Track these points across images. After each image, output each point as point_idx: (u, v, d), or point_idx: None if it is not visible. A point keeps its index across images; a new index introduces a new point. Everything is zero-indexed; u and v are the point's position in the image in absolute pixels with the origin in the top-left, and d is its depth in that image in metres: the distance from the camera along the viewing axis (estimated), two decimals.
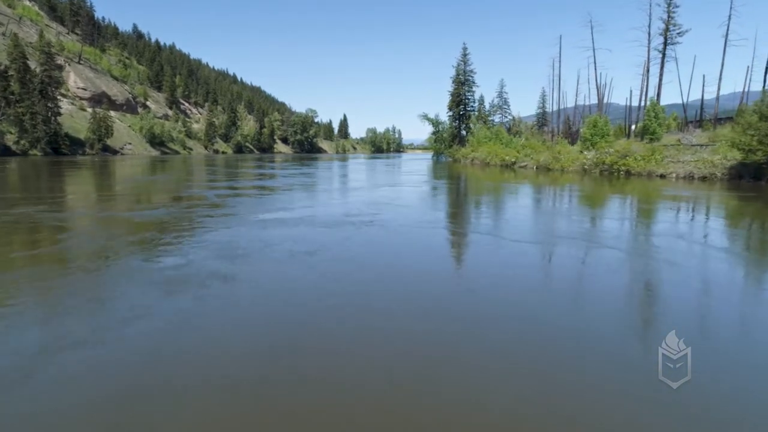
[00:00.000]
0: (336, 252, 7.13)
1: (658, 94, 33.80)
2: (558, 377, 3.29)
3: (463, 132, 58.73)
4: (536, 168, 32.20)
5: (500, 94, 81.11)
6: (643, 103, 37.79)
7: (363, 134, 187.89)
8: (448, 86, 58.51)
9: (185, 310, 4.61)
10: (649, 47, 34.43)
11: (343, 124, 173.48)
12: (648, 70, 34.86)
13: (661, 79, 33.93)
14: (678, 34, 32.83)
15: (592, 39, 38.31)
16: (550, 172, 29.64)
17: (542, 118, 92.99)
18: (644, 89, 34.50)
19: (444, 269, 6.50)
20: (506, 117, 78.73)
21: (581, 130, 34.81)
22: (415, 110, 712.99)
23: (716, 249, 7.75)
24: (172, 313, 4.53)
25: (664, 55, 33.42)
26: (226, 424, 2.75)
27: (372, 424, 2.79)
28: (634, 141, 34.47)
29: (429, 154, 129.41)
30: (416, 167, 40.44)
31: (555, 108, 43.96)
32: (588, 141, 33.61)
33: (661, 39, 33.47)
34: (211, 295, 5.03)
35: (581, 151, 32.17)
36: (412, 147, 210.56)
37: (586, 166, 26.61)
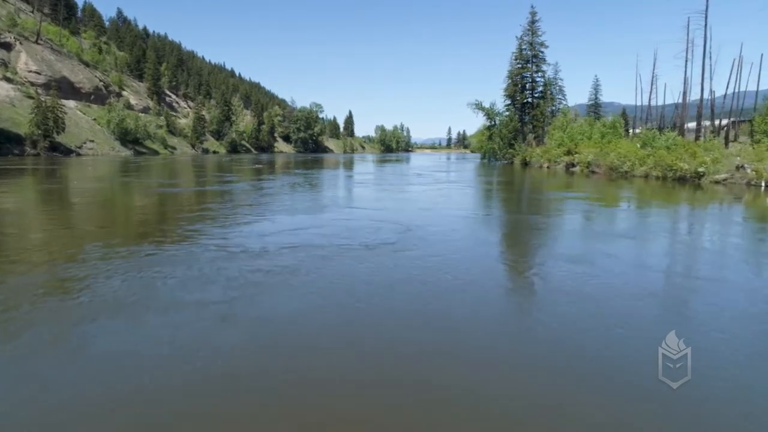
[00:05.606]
0: None
1: None
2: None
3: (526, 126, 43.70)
4: (766, 185, 17.26)
5: (554, 81, 66.53)
6: None
7: (366, 132, 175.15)
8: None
9: None
10: None
11: (349, 120, 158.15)
12: None
13: None
14: None
15: None
16: None
17: (595, 111, 78.43)
18: None
19: None
20: (559, 108, 64.10)
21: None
22: (417, 110, 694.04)
23: None
24: None
25: None
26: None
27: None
28: None
29: (438, 154, 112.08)
30: (498, 175, 25.47)
31: (704, 87, 28.85)
32: None
33: None
34: None
35: None
36: (417, 146, 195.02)
37: None
